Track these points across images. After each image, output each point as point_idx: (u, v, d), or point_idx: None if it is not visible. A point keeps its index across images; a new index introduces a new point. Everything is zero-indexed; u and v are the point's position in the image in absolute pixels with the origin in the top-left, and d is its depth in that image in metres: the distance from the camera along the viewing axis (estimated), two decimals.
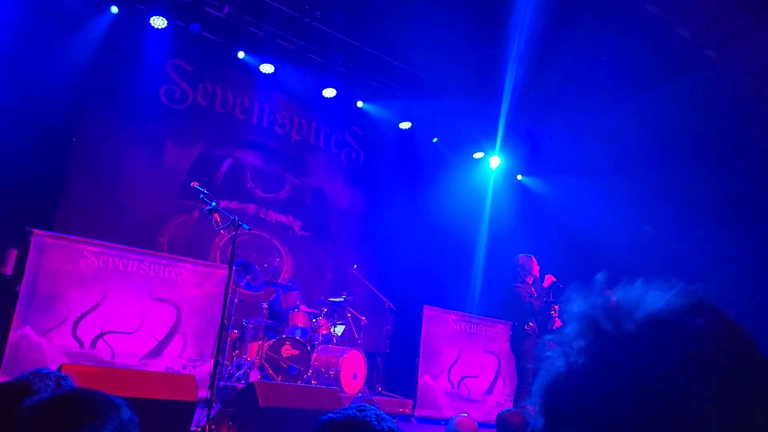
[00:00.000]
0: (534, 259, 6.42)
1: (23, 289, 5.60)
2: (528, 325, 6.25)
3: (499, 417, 3.64)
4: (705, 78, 7.46)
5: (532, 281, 6.33)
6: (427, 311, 7.94)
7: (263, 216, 8.76)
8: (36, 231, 5.76)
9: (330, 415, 1.20)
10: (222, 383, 6.02)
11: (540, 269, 6.39)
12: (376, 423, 1.17)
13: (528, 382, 6.35)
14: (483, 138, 9.95)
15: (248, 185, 8.71)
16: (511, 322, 6.53)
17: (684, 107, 7.79)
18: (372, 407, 1.22)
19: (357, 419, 1.18)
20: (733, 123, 7.89)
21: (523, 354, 6.31)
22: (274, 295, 7.45)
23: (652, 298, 0.62)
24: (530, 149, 10.23)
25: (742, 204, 7.78)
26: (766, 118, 7.71)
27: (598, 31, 7.00)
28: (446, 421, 7.40)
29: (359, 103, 9.39)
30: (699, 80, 7.48)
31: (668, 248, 8.03)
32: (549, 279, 6.30)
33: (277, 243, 8.78)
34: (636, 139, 8.61)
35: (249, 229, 4.87)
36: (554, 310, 6.21)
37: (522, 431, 3.41)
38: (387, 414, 1.28)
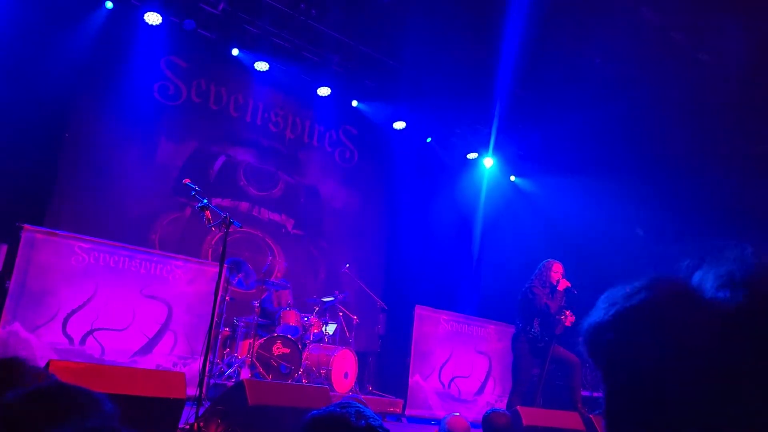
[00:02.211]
0: (557, 263, 6.44)
1: (12, 284, 5.56)
2: (533, 328, 6.26)
3: (486, 417, 3.65)
4: (698, 81, 7.50)
5: (549, 285, 6.34)
6: (419, 311, 7.95)
7: (256, 214, 8.74)
8: (26, 226, 5.73)
9: (314, 412, 1.25)
10: (213, 381, 6.00)
11: (561, 274, 6.40)
12: (354, 420, 1.21)
13: (524, 386, 6.36)
14: (477, 138, 9.96)
15: (241, 183, 8.68)
16: (516, 323, 6.52)
17: (678, 110, 7.82)
18: (355, 404, 1.24)
19: (336, 415, 1.23)
20: (727, 126, 7.93)
21: (523, 357, 6.31)
22: (266, 294, 7.43)
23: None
24: (524, 150, 10.26)
25: (736, 208, 7.82)
26: (759, 121, 7.76)
27: (591, 34, 7.03)
28: (437, 421, 7.41)
29: (354, 102, 9.38)
30: (692, 83, 7.52)
31: (661, 251, 8.06)
32: (564, 284, 6.32)
33: (269, 241, 8.77)
34: (631, 142, 8.64)
35: (240, 227, 4.86)
36: (564, 315, 6.23)
37: None
38: (373, 412, 1.30)
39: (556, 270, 6.38)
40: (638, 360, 0.67)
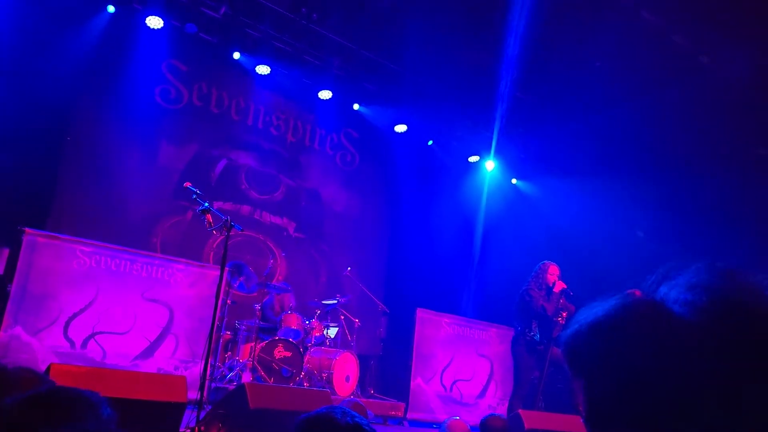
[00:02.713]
0: (553, 265, 6.42)
1: (14, 288, 5.57)
2: (532, 331, 6.25)
3: (483, 422, 3.67)
4: (699, 84, 7.49)
5: (545, 287, 6.33)
6: (421, 314, 7.93)
7: (257, 217, 8.74)
8: (28, 230, 5.74)
9: (303, 415, 1.34)
10: (214, 385, 6.00)
11: (557, 276, 6.38)
12: (340, 417, 1.31)
13: (525, 389, 6.34)
14: (478, 141, 9.96)
15: (243, 186, 8.69)
16: (515, 326, 6.51)
17: (678, 113, 7.81)
18: (341, 406, 1.34)
19: (322, 415, 1.32)
20: (727, 129, 7.92)
21: (523, 360, 6.30)
22: (268, 297, 7.43)
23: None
24: (525, 153, 10.26)
25: (737, 210, 7.80)
26: (760, 124, 7.74)
27: (592, 37, 7.03)
28: (438, 424, 7.39)
29: (355, 106, 9.38)
30: (693, 86, 7.51)
31: (661, 253, 8.05)
32: (560, 286, 6.31)
33: (271, 244, 8.77)
34: (631, 145, 8.63)
35: (241, 230, 4.85)
36: (562, 317, 6.22)
37: None
38: (374, 417, 1.36)
39: (552, 272, 6.37)
40: (607, 365, 0.73)
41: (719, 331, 0.68)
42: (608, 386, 0.73)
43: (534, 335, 6.25)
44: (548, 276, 6.35)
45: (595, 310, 0.78)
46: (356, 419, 1.29)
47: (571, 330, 0.79)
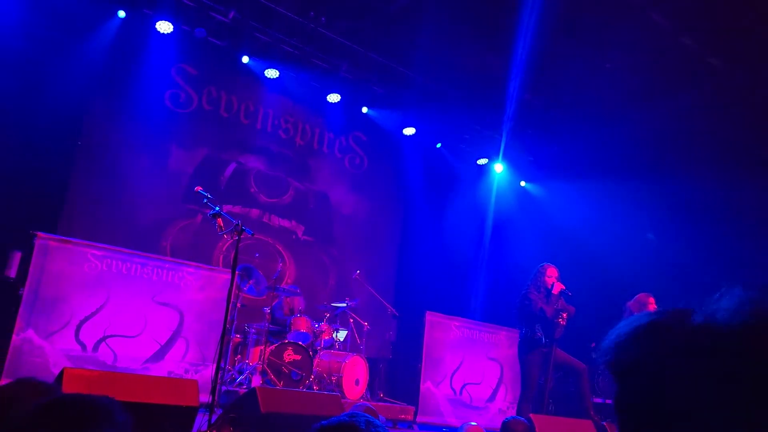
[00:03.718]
0: (551, 267, 6.40)
1: (26, 292, 5.61)
2: (536, 333, 6.23)
3: (504, 424, 3.65)
4: (708, 86, 7.44)
5: (544, 289, 6.31)
6: (430, 317, 7.92)
7: (266, 221, 8.76)
8: (40, 234, 5.78)
9: (323, 422, 1.27)
10: (224, 388, 6.01)
11: (556, 278, 6.35)
12: (364, 427, 1.24)
13: (533, 392, 6.32)
14: (487, 144, 9.95)
15: (252, 190, 8.71)
16: (519, 330, 6.50)
17: (688, 115, 7.78)
18: (364, 414, 1.27)
19: (346, 423, 1.25)
20: (737, 130, 7.87)
21: (529, 363, 6.28)
22: (277, 300, 7.44)
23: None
24: (534, 156, 10.23)
25: (747, 213, 7.75)
26: None
27: (602, 39, 7.01)
28: (448, 428, 7.38)
29: (364, 109, 9.39)
30: (703, 88, 7.47)
31: (671, 255, 8.01)
32: (558, 287, 6.29)
33: (280, 248, 8.78)
34: (641, 147, 8.60)
35: (252, 235, 4.86)
36: (562, 318, 6.20)
37: None
38: (385, 421, 1.31)
39: (550, 274, 6.35)
40: (632, 371, 0.76)
41: (738, 339, 0.69)
42: (633, 392, 0.76)
43: (539, 338, 6.23)
44: (546, 278, 6.33)
45: (629, 321, 0.81)
46: (380, 430, 1.24)
47: (607, 339, 0.82)
